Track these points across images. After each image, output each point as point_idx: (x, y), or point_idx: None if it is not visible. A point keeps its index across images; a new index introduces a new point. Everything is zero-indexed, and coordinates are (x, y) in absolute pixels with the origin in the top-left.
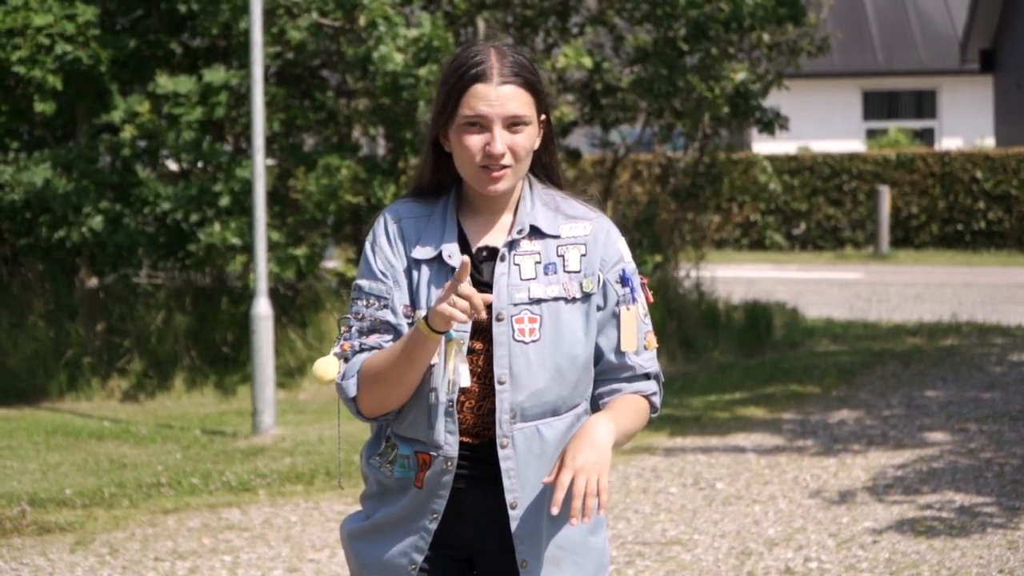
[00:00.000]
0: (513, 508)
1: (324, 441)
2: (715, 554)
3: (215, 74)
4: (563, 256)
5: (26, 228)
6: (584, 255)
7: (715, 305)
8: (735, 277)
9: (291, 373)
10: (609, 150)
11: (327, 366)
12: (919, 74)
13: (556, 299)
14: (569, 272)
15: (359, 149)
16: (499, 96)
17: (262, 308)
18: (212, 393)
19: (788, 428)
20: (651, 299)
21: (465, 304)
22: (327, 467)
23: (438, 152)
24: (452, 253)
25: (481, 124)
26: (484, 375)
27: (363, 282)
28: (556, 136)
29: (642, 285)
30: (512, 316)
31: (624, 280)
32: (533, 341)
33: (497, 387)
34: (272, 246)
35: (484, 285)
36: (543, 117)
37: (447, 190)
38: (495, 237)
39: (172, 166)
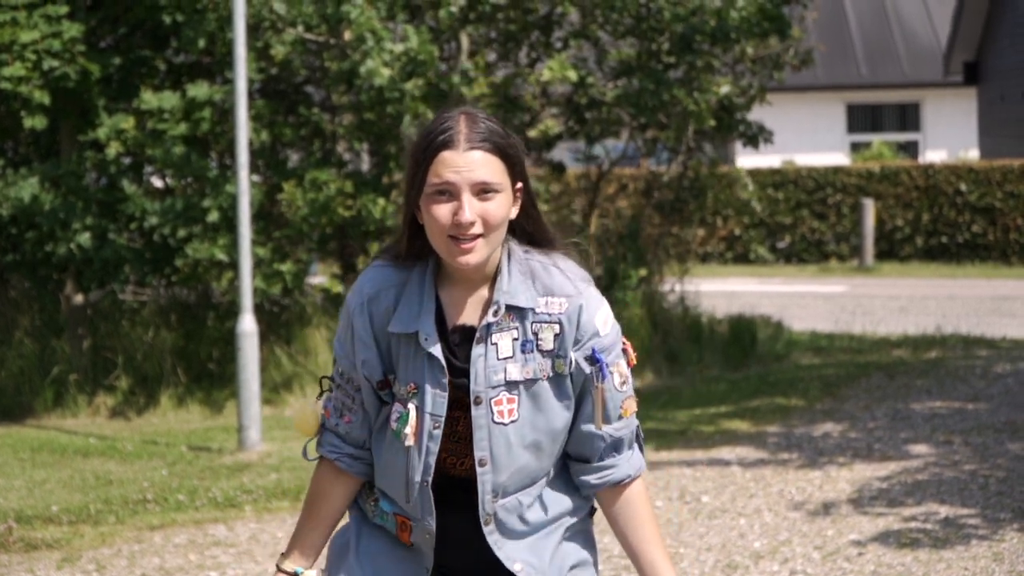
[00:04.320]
0: (518, 571)
1: None
2: (701, 568)
3: (199, 89)
4: (537, 335)
5: (12, 244)
6: (558, 334)
7: (700, 319)
8: (720, 291)
9: (277, 389)
10: (593, 164)
11: (308, 422)
12: (903, 87)
13: (533, 380)
14: (543, 351)
15: (344, 164)
16: (466, 162)
17: (247, 324)
18: (198, 409)
19: (773, 441)
20: (633, 361)
21: None
22: None
23: (415, 224)
24: (428, 336)
25: (450, 192)
26: (465, 437)
27: (339, 350)
28: (536, 198)
29: (623, 351)
30: (490, 399)
31: (594, 359)
32: (512, 422)
33: (478, 469)
34: (258, 262)
35: (459, 369)
36: (519, 185)
37: (426, 257)
38: (471, 314)
39: (157, 183)
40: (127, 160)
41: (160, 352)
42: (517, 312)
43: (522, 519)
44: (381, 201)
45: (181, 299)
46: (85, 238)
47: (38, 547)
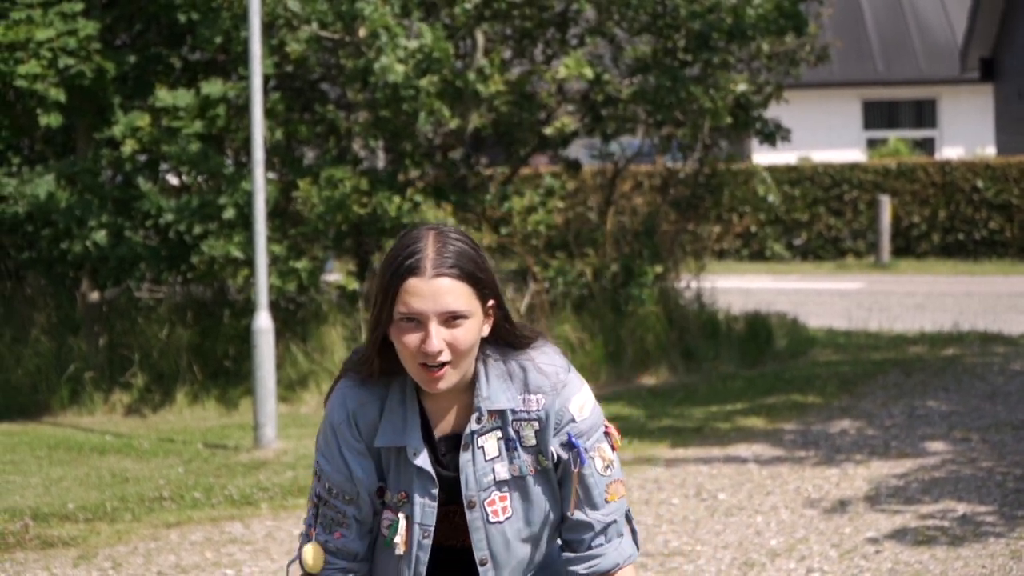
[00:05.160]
0: None
1: None
2: (717, 565)
3: (213, 87)
4: (519, 432)
5: (28, 242)
6: (539, 430)
7: (716, 316)
8: (736, 288)
9: (292, 386)
10: (609, 161)
11: (311, 557)
12: (919, 83)
13: (521, 477)
14: (527, 447)
15: (360, 162)
16: (432, 291)
17: (263, 322)
18: (214, 407)
19: (789, 438)
20: (617, 445)
21: None
22: None
23: (386, 343)
24: (416, 450)
25: (417, 320)
26: (461, 526)
27: (325, 466)
28: (511, 316)
29: (606, 434)
30: (483, 501)
31: (570, 444)
32: (507, 519)
33: (480, 568)
34: (274, 259)
35: (450, 478)
36: (491, 303)
37: (400, 373)
38: (455, 421)
39: (173, 180)
40: (143, 158)
41: (176, 349)
42: (499, 413)
43: None
44: (396, 199)
45: (197, 296)
46: (101, 236)
47: (54, 545)
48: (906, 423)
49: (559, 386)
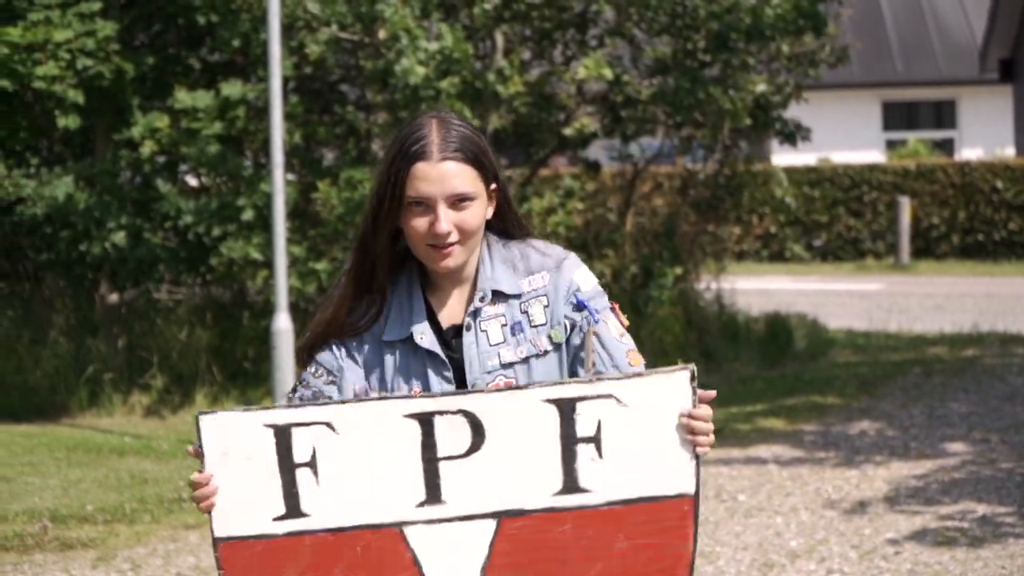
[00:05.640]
0: None
1: None
2: (737, 566)
3: (232, 88)
4: (527, 312)
5: (47, 243)
6: (547, 306)
7: (736, 317)
8: (756, 289)
9: None
10: (629, 162)
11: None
12: (938, 84)
13: (527, 358)
14: (536, 327)
15: (379, 163)
16: (440, 174)
17: (282, 323)
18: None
19: (809, 440)
20: (626, 322)
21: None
22: None
23: (382, 240)
24: (423, 334)
25: (425, 204)
26: None
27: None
28: (512, 200)
29: (612, 308)
30: (487, 384)
31: (579, 305)
32: None
33: None
34: (293, 261)
35: (456, 360)
36: (494, 186)
37: (401, 271)
38: (461, 311)
39: (192, 181)
40: (161, 159)
41: (195, 351)
42: (502, 298)
43: None
44: None
45: (216, 298)
46: (120, 237)
47: (73, 546)
48: (926, 424)
49: (561, 262)
